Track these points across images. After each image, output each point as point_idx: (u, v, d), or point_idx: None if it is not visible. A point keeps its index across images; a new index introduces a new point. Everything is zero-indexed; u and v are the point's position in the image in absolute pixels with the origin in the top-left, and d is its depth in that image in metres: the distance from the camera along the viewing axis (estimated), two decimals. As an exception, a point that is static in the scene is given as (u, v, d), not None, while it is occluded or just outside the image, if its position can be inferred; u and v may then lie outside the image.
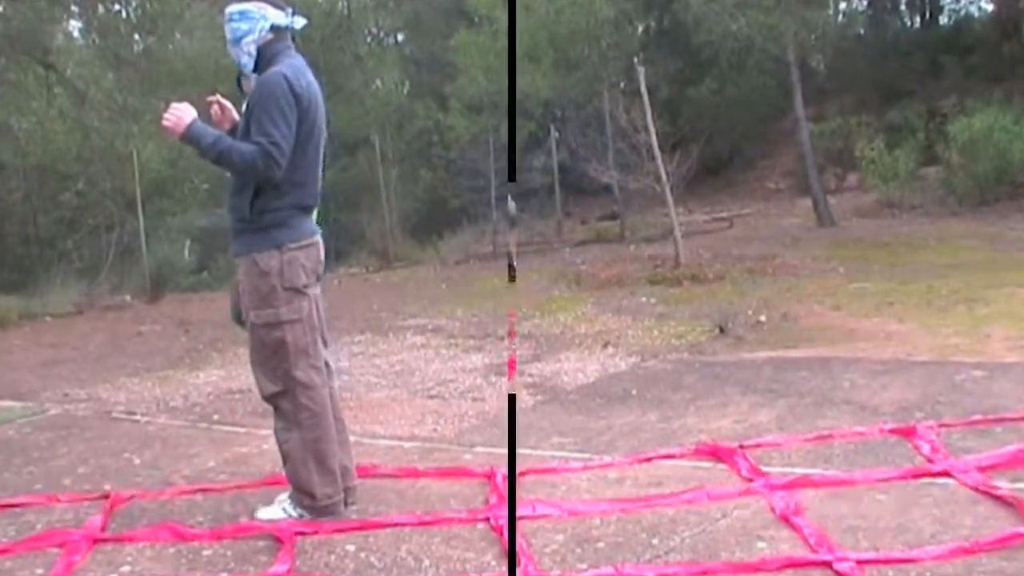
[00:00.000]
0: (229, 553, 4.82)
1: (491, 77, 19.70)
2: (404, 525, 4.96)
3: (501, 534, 4.69)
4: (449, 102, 21.81)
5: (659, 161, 14.61)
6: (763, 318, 9.97)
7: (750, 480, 5.18)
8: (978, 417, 6.00)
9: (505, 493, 5.20)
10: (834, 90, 25.05)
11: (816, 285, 11.67)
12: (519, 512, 4.90)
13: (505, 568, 4.34)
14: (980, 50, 24.08)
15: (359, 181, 20.99)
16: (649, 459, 5.72)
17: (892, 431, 5.86)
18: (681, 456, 5.74)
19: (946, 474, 5.04)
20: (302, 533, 4.99)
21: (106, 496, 5.89)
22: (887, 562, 4.09)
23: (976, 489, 4.80)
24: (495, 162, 19.98)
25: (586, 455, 5.93)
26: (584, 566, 4.30)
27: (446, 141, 21.85)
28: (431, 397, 7.91)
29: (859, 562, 4.08)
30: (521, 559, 4.37)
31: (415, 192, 22.17)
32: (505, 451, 6.12)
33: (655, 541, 4.51)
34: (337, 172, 20.53)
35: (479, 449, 6.30)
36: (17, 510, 5.79)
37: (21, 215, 17.73)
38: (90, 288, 15.48)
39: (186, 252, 16.58)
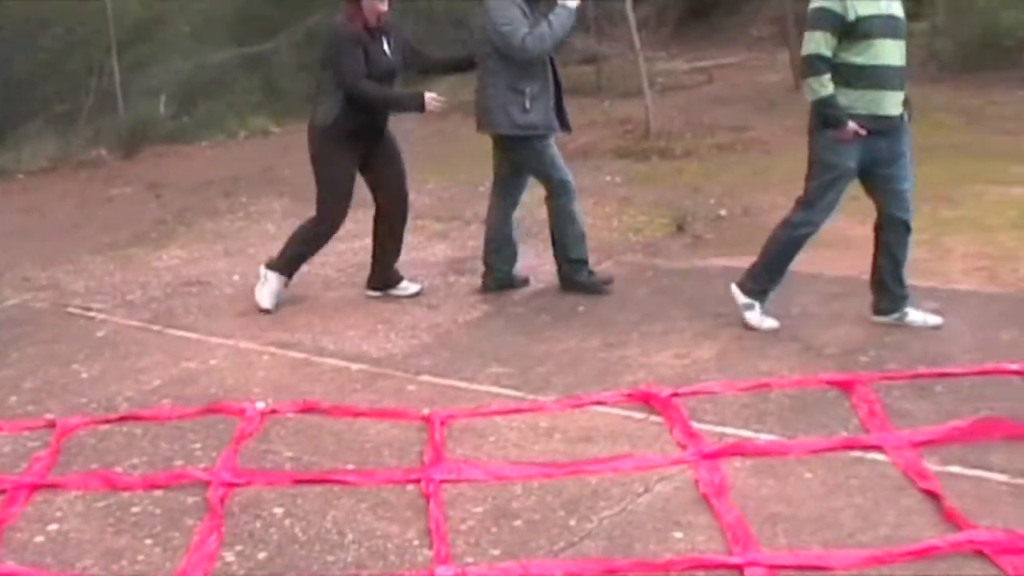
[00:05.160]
0: (158, 512, 4.76)
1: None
2: (335, 483, 4.90)
3: (429, 502, 4.63)
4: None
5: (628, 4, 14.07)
6: (724, 212, 9.79)
7: (681, 445, 5.09)
8: (921, 369, 5.89)
9: (441, 446, 5.17)
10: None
11: (785, 168, 11.33)
12: (444, 475, 4.86)
13: (427, 549, 4.28)
14: None
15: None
16: (582, 405, 5.64)
17: (832, 383, 5.76)
18: (614, 403, 5.65)
19: (879, 448, 4.96)
20: (234, 485, 4.92)
21: (52, 425, 5.81)
22: (799, 567, 4.02)
23: (906, 472, 4.71)
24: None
25: (520, 394, 5.85)
26: (497, 552, 4.23)
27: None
28: (387, 300, 7.77)
29: (770, 567, 4.01)
30: (435, 541, 4.30)
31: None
32: (450, 381, 6.12)
33: (572, 522, 4.43)
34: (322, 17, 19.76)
35: (424, 378, 6.21)
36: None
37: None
38: (67, 140, 15.18)
39: (161, 107, 16.17)
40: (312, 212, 7.65)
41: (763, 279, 6.74)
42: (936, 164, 10.67)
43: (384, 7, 7.30)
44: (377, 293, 7.87)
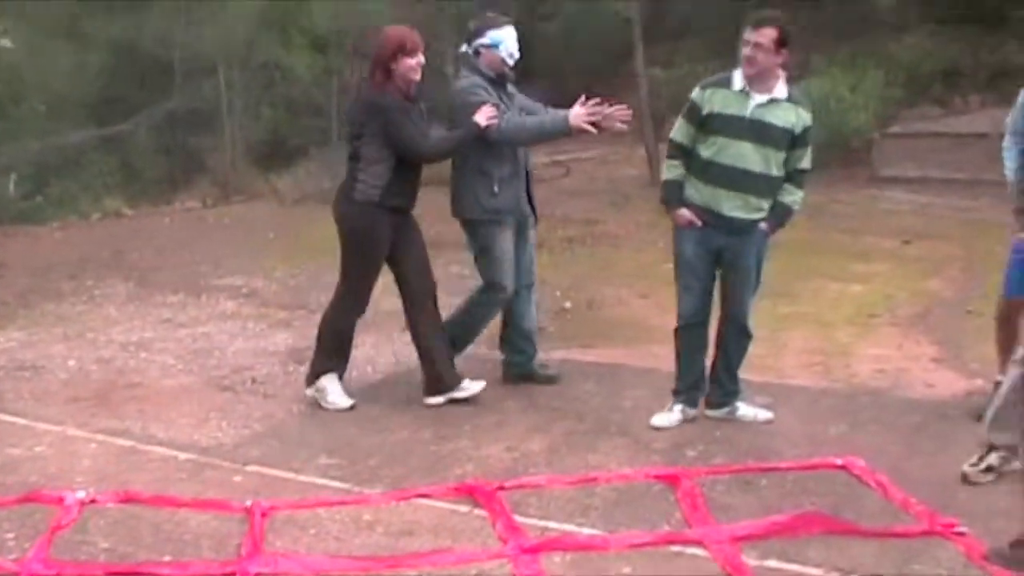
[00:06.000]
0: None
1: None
2: (147, 575, 4.79)
3: (241, 596, 4.54)
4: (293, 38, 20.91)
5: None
6: (568, 304, 9.86)
7: (502, 539, 5.06)
8: (750, 463, 5.97)
9: (260, 538, 5.09)
10: (691, 31, 24.79)
11: (632, 262, 11.56)
12: (260, 568, 4.79)
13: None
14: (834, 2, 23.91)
15: (203, 109, 20.07)
16: (407, 497, 5.59)
17: (658, 477, 5.79)
18: (440, 496, 5.61)
19: (699, 543, 4.99)
20: (37, 576, 4.79)
21: None
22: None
23: (724, 567, 4.74)
24: (338, 102, 19.41)
25: (347, 486, 5.80)
26: (303, 649, 4.17)
27: (288, 79, 21.00)
28: (223, 388, 7.65)
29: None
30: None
31: (257, 128, 21.06)
32: (278, 472, 6.05)
33: (385, 618, 4.39)
34: (182, 100, 19.84)
35: (252, 468, 6.13)
36: None
37: None
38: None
39: (11, 186, 15.89)
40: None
41: (676, 376, 6.80)
42: (777, 260, 10.67)
43: (417, 76, 6.96)
44: (440, 399, 7.17)
